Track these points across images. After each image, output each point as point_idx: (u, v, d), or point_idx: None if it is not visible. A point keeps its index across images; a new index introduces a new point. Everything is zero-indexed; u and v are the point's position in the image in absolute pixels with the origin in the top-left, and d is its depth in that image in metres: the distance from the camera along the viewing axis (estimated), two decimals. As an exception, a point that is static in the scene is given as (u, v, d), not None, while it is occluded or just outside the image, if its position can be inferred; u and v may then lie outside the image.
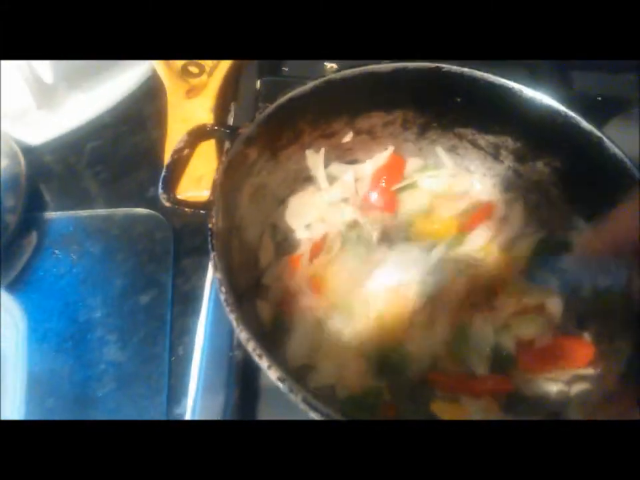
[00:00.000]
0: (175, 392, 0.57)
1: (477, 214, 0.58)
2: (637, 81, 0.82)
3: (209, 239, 0.41)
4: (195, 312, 0.62)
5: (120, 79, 0.83)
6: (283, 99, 0.50)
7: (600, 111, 0.68)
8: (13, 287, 0.60)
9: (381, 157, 0.61)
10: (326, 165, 0.60)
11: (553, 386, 0.50)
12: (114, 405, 0.55)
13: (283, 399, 0.57)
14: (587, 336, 0.52)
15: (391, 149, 0.61)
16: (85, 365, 0.58)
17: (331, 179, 0.61)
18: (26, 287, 0.61)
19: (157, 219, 0.69)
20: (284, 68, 0.85)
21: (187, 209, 0.42)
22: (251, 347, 0.37)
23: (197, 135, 0.46)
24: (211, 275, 0.64)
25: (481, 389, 0.49)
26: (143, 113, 0.82)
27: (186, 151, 0.44)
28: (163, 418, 0.55)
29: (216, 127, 0.46)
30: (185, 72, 0.82)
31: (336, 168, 0.61)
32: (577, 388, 0.50)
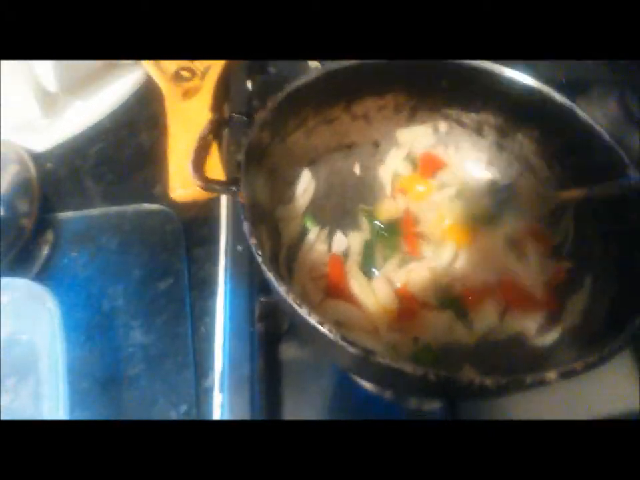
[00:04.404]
0: (202, 367, 0.61)
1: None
2: (594, 65, 0.90)
3: (242, 210, 0.45)
4: (212, 295, 0.66)
5: (116, 86, 0.87)
6: (290, 88, 0.54)
7: (565, 93, 0.74)
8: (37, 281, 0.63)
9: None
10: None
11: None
12: (146, 382, 0.59)
13: (306, 368, 0.62)
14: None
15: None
16: (114, 350, 0.61)
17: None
18: (49, 282, 0.64)
19: (166, 213, 0.73)
20: (271, 68, 0.90)
21: (216, 187, 0.46)
22: (291, 297, 0.41)
23: (218, 124, 0.50)
24: (223, 262, 0.69)
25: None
26: (139, 117, 0.86)
27: (209, 137, 0.49)
28: (192, 391, 0.59)
29: (234, 115, 0.51)
30: (177, 77, 0.86)
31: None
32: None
